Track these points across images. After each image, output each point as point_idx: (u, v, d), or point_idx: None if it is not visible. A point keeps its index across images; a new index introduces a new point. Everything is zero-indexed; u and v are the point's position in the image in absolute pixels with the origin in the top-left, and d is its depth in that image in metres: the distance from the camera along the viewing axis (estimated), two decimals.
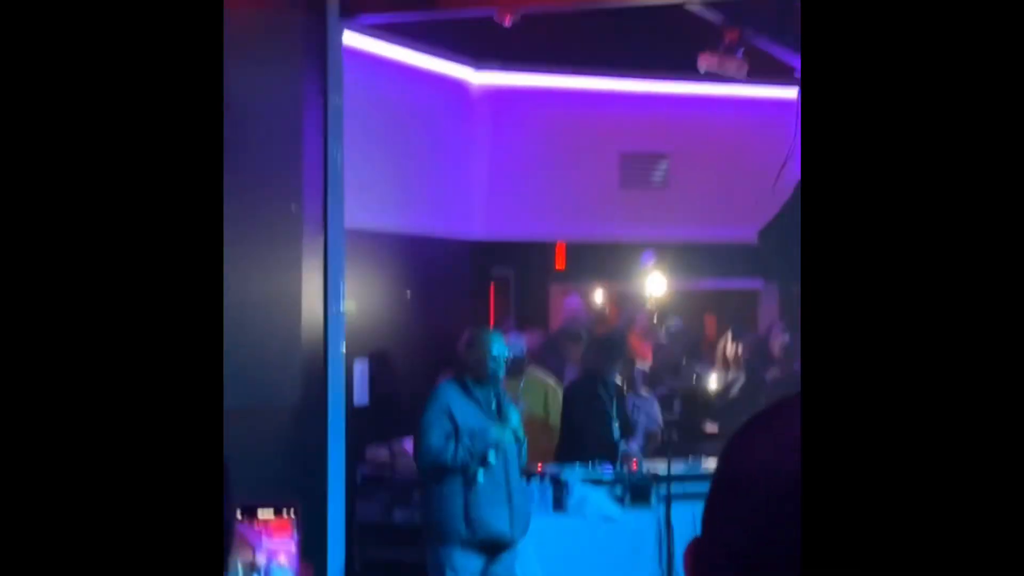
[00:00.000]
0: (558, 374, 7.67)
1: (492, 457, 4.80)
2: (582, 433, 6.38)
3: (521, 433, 5.01)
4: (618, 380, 6.50)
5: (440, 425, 4.78)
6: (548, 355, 8.04)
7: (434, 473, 4.77)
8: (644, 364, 8.07)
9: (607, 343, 6.77)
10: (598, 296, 9.50)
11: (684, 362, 7.97)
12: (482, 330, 5.26)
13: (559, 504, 5.72)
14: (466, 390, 4.91)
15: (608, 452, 6.19)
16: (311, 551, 4.20)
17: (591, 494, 5.74)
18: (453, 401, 4.85)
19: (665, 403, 7.54)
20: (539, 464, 6.04)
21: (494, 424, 4.90)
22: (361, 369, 7.13)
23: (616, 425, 6.42)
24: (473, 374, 4.95)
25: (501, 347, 5.03)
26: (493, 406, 4.94)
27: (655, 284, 8.99)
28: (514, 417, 5.00)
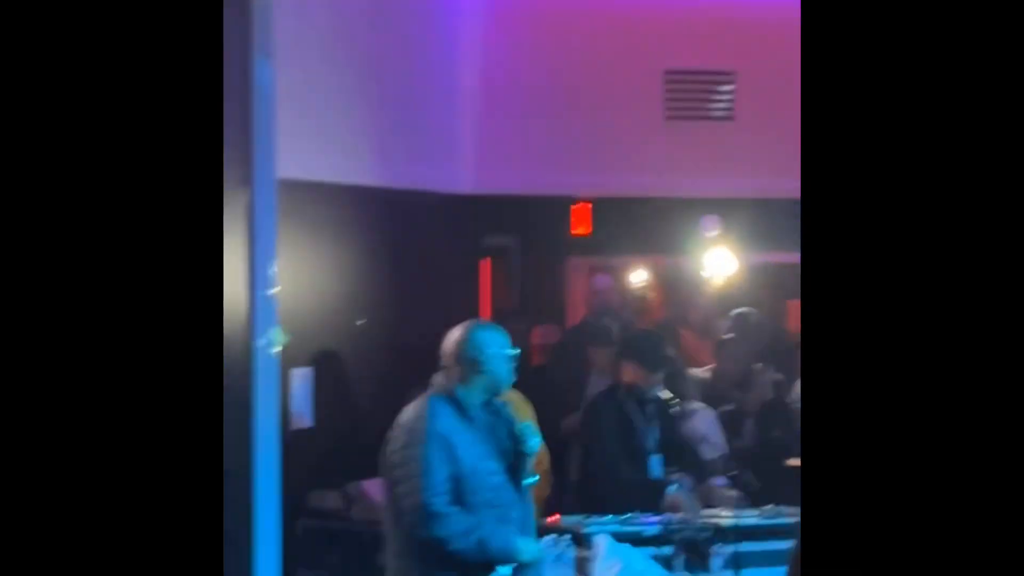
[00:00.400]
0: (578, 384, 7.60)
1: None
2: (613, 470, 6.32)
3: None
4: (664, 393, 6.42)
5: (443, 465, 4.70)
6: (564, 358, 7.98)
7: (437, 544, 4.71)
8: (701, 371, 8.02)
9: (648, 342, 6.70)
10: (636, 275, 9.45)
11: (758, 367, 7.91)
12: (477, 323, 5.16)
13: (582, 570, 5.63)
14: (460, 410, 4.83)
15: (650, 496, 6.15)
16: None
17: (627, 556, 5.65)
18: (450, 428, 4.76)
19: (731, 425, 7.48)
20: (554, 514, 6.03)
21: (501, 461, 4.83)
22: (302, 380, 7.09)
23: (660, 458, 6.36)
24: (467, 386, 4.86)
25: (505, 344, 4.93)
26: (502, 433, 4.86)
27: (717, 258, 8.91)
28: (533, 445, 4.95)
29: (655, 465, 6.40)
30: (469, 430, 4.79)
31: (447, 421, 4.77)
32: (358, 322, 7.14)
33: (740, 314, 8.49)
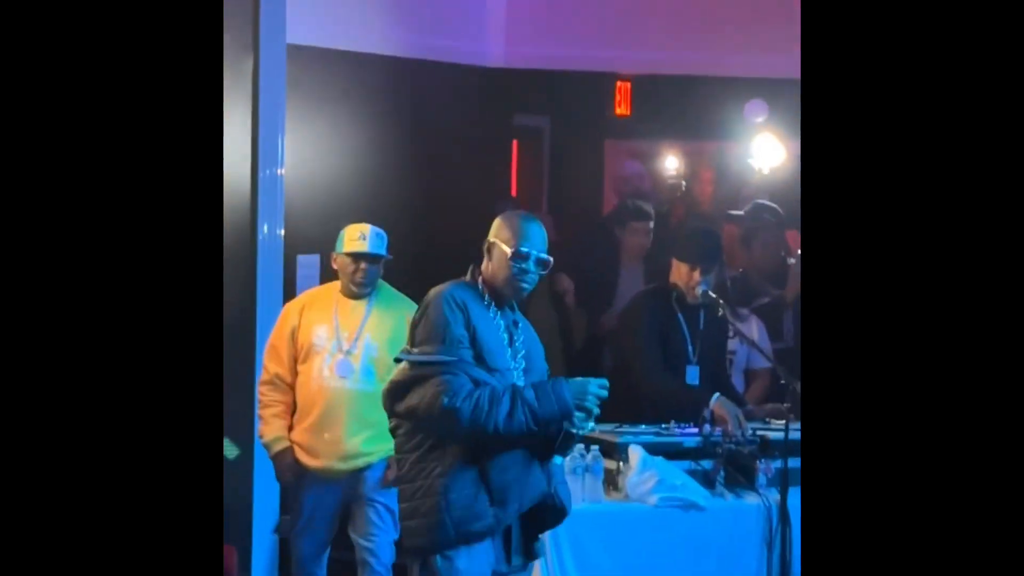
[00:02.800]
0: (605, 281, 7.36)
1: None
2: (653, 375, 6.13)
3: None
4: (710, 296, 6.11)
5: (459, 325, 4.36)
6: (594, 249, 7.74)
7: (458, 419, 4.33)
8: (734, 272, 7.74)
9: (695, 235, 6.40)
10: (672, 162, 9.17)
11: (791, 260, 7.64)
12: (508, 213, 4.81)
13: (614, 484, 5.50)
14: (481, 300, 4.51)
15: (691, 404, 5.97)
16: None
17: (664, 469, 5.50)
18: (470, 306, 4.43)
19: (769, 324, 7.22)
20: None
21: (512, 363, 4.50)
22: (309, 268, 6.91)
23: (697, 369, 6.20)
24: (492, 281, 4.53)
25: (539, 239, 4.57)
26: (506, 339, 4.53)
27: (766, 148, 8.62)
28: (538, 357, 4.62)
29: (692, 373, 6.17)
30: (489, 319, 4.47)
31: (467, 297, 4.47)
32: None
33: (760, 205, 8.17)
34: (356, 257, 5.72)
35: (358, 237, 5.73)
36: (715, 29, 8.67)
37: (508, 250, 4.48)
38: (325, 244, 6.96)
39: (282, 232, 5.93)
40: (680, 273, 6.19)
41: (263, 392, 5.79)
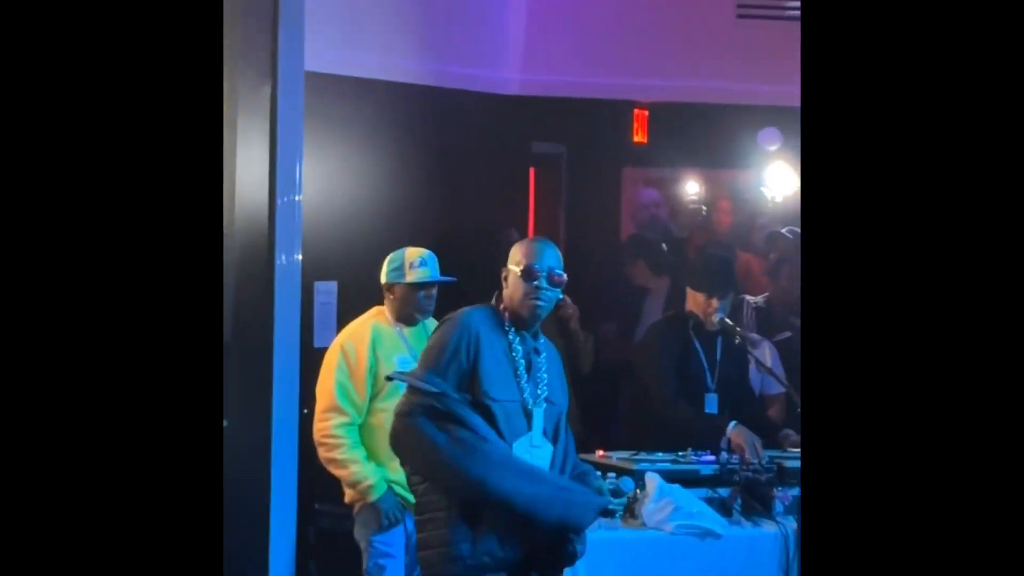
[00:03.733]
0: (618, 310, 7.39)
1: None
2: (670, 403, 6.14)
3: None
4: (727, 323, 6.15)
5: (459, 350, 4.38)
6: (606, 277, 7.81)
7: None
8: (757, 298, 7.77)
9: (709, 264, 6.43)
10: (691, 188, 9.19)
11: None
12: (526, 238, 4.88)
13: (631, 512, 5.46)
14: (500, 326, 4.54)
15: (708, 432, 5.98)
16: None
17: (681, 497, 5.48)
18: (483, 331, 4.45)
19: (789, 357, 7.23)
20: (598, 450, 5.83)
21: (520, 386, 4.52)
22: (327, 295, 6.94)
23: (715, 396, 6.19)
24: (510, 306, 4.56)
25: (551, 258, 4.62)
26: (523, 365, 4.54)
27: (780, 176, 8.65)
28: (560, 391, 4.64)
29: (711, 402, 6.21)
30: (502, 341, 4.49)
31: (483, 321, 4.50)
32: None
33: (774, 234, 8.21)
34: (422, 285, 5.64)
35: (419, 264, 5.63)
36: (732, 58, 8.69)
37: (518, 270, 4.52)
38: (342, 271, 6.98)
39: (299, 257, 5.94)
40: (696, 301, 6.21)
41: (339, 436, 5.56)
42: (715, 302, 6.15)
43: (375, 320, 5.70)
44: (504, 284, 4.58)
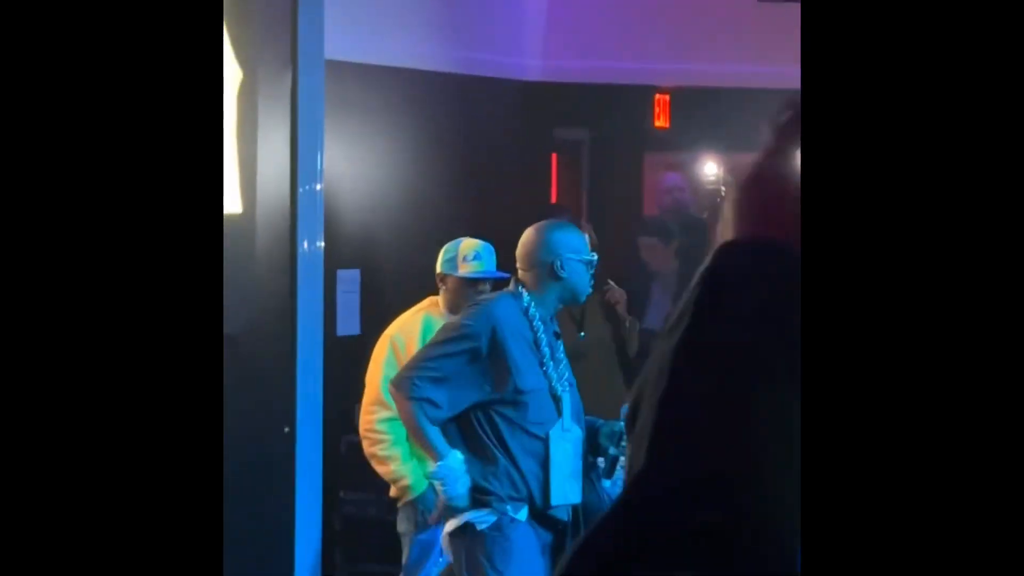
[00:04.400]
0: (638, 300, 7.37)
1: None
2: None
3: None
4: None
5: (477, 343, 4.47)
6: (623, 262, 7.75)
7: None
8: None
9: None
10: (712, 168, 9.16)
11: None
12: (553, 223, 4.90)
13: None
14: (526, 312, 4.59)
15: None
16: None
17: None
18: (507, 319, 4.51)
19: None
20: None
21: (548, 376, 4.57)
22: (349, 283, 6.96)
23: None
24: (540, 293, 4.62)
25: (583, 248, 4.75)
26: (548, 353, 4.59)
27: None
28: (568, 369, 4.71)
29: None
30: (528, 337, 4.53)
31: (507, 315, 4.56)
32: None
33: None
34: (474, 280, 5.48)
35: (472, 258, 5.48)
36: (752, 41, 8.66)
37: (582, 259, 4.66)
38: (364, 259, 7.00)
39: (322, 245, 5.95)
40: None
41: (382, 431, 5.46)
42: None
43: (427, 311, 5.59)
44: (557, 271, 4.62)
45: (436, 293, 5.61)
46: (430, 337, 5.29)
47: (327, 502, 6.08)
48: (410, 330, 5.55)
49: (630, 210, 8.96)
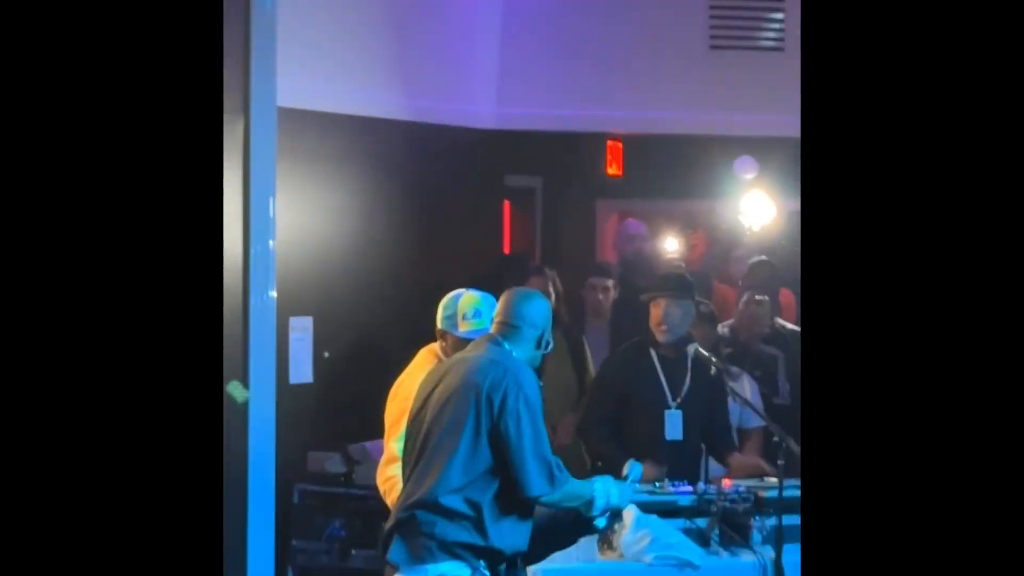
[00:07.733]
0: (578, 339, 7.48)
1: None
2: (587, 426, 6.39)
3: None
4: (701, 352, 6.25)
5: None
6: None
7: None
8: (721, 326, 7.88)
9: (673, 279, 6.65)
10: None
11: (781, 323, 7.78)
12: (522, 291, 5.12)
13: (609, 544, 5.52)
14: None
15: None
16: None
17: (658, 528, 5.53)
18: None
19: (768, 385, 7.31)
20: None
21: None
22: (301, 330, 6.98)
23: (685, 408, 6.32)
24: (514, 344, 4.97)
25: (542, 310, 5.01)
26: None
27: (756, 204, 8.72)
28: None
29: (673, 419, 6.30)
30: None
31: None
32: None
33: (760, 263, 8.30)
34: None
35: (472, 316, 5.47)
36: (705, 89, 8.71)
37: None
38: (317, 306, 7.01)
39: (274, 295, 5.99)
40: (653, 316, 6.34)
41: (393, 476, 5.38)
42: (661, 307, 6.27)
43: (433, 354, 5.59)
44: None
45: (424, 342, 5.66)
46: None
47: (279, 551, 6.09)
48: (417, 382, 5.37)
49: (583, 257, 9.02)
